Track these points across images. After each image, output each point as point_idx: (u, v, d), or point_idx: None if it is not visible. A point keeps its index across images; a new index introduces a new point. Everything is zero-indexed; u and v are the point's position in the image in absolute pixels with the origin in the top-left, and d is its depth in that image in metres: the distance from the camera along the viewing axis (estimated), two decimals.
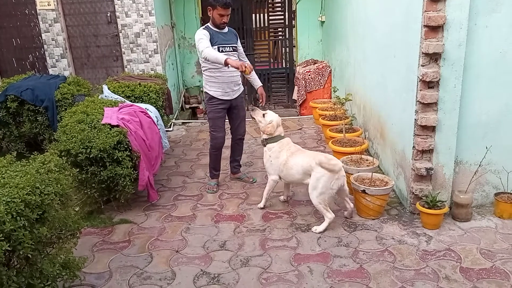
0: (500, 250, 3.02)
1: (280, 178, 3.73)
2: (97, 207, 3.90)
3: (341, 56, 6.46)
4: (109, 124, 3.72)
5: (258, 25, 8.49)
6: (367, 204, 3.51)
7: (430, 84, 3.22)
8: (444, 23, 3.07)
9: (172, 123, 6.92)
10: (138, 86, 5.26)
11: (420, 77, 3.21)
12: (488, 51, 3.21)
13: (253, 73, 4.39)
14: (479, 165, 3.44)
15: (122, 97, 4.95)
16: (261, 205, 3.87)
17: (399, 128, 3.81)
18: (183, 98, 8.36)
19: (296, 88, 7.70)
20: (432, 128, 3.32)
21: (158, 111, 5.01)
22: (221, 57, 3.70)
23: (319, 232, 3.37)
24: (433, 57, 3.16)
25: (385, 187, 3.52)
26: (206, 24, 4.07)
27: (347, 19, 5.89)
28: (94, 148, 3.44)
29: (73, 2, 6.75)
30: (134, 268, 3.04)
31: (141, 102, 4.99)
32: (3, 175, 2.18)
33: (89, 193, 3.68)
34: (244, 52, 4.40)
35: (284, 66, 8.81)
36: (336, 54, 6.84)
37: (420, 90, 3.25)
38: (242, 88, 4.32)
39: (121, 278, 2.93)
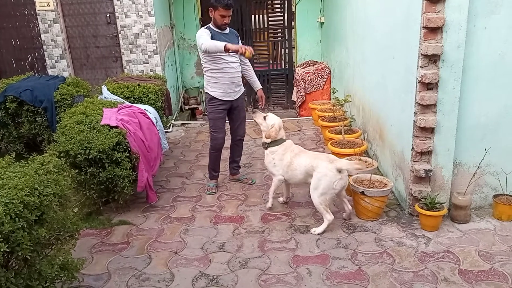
0: (498, 252, 3.03)
1: (284, 179, 3.71)
2: (96, 208, 3.90)
3: (340, 57, 6.47)
4: (108, 125, 3.71)
5: (257, 26, 8.50)
6: (366, 206, 3.51)
7: (429, 85, 3.22)
8: (443, 25, 3.08)
9: (171, 124, 6.92)
10: (137, 87, 5.26)
11: (419, 79, 3.21)
12: (487, 53, 3.21)
13: (253, 74, 4.40)
14: (478, 167, 3.44)
15: (121, 98, 4.94)
16: (269, 204, 3.84)
17: (398, 129, 3.81)
18: (182, 99, 8.35)
19: (295, 89, 7.70)
20: (431, 130, 3.32)
21: (157, 112, 5.01)
22: (220, 44, 3.69)
23: (318, 234, 3.37)
24: (432, 59, 3.17)
25: (384, 189, 3.52)
26: (208, 25, 4.07)
27: (346, 21, 5.89)
28: (93, 149, 3.44)
29: (73, 2, 6.75)
30: (132, 269, 3.04)
31: (140, 103, 4.98)
32: (2, 176, 2.17)
33: (88, 194, 3.67)
34: None
35: (283, 67, 8.81)
36: (335, 56, 6.85)
37: (419, 91, 3.25)
38: (243, 89, 4.32)
39: (120, 280, 2.92)
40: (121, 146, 3.62)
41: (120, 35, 6.82)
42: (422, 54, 3.16)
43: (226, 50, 3.65)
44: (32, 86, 5.12)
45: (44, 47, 6.85)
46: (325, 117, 5.67)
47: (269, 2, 8.72)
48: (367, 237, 3.32)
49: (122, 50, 6.90)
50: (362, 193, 3.48)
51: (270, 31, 8.65)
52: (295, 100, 7.78)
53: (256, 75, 4.49)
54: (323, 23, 7.95)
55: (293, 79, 8.02)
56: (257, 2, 8.45)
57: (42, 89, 5.10)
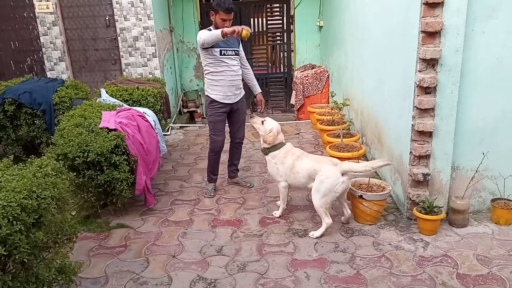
0: (496, 256, 3.03)
1: (289, 185, 3.68)
2: (94, 211, 3.89)
3: (339, 61, 6.48)
4: (107, 128, 3.71)
5: (256, 30, 8.51)
6: (364, 210, 3.51)
7: (427, 89, 3.23)
8: (441, 29, 3.09)
9: (170, 127, 6.92)
10: (136, 90, 5.26)
11: (417, 83, 3.22)
12: (485, 57, 3.23)
13: (253, 78, 4.42)
14: (476, 171, 3.45)
15: (120, 100, 4.95)
16: (278, 213, 3.79)
17: (396, 133, 3.82)
18: (181, 102, 8.36)
19: (294, 92, 7.71)
20: (429, 134, 3.33)
21: (156, 115, 5.01)
22: (217, 33, 3.71)
23: (316, 237, 3.37)
24: (430, 63, 3.18)
25: (382, 193, 3.52)
26: (209, 27, 4.08)
27: (345, 24, 5.91)
28: (92, 152, 3.43)
29: (72, 5, 6.75)
30: (130, 273, 3.03)
31: (139, 106, 4.99)
32: (0, 179, 2.17)
33: (86, 197, 3.67)
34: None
35: (282, 70, 8.82)
36: (334, 59, 6.86)
37: (417, 95, 3.26)
38: (243, 92, 4.33)
39: (117, 283, 2.91)
40: (119, 149, 3.61)
41: (119, 38, 6.83)
42: (420, 58, 3.17)
43: (224, 34, 3.66)
44: (31, 88, 5.12)
45: (43, 49, 6.84)
46: (324, 120, 5.68)
47: (268, 5, 8.75)
48: (365, 241, 3.32)
49: (121, 53, 6.91)
50: (360, 196, 3.48)
51: (269, 35, 8.67)
52: (293, 104, 7.79)
53: (255, 78, 4.50)
54: (321, 26, 7.97)
55: (292, 83, 8.03)
56: (256, 5, 8.48)
57: (40, 92, 5.10)
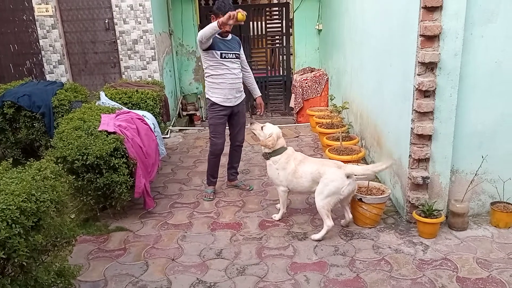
0: (496, 260, 3.02)
1: (289, 189, 3.66)
2: (93, 214, 3.88)
3: (338, 64, 6.49)
4: (106, 131, 3.71)
5: (255, 33, 8.54)
6: (363, 213, 3.51)
7: (426, 93, 3.24)
8: (440, 33, 3.10)
9: (169, 130, 6.92)
10: (136, 93, 5.26)
11: (416, 86, 3.23)
12: (484, 61, 3.23)
13: (253, 81, 4.43)
14: (475, 174, 3.45)
15: (119, 104, 4.95)
16: (278, 217, 3.78)
17: (396, 136, 3.82)
18: (180, 105, 8.36)
19: (293, 96, 7.72)
20: (428, 137, 3.33)
21: (155, 118, 5.01)
22: (213, 24, 3.70)
23: (317, 240, 3.36)
24: (429, 66, 3.18)
25: (381, 196, 3.52)
26: None
27: (344, 28, 5.93)
28: (91, 155, 3.43)
29: (71, 8, 6.77)
30: (129, 276, 3.02)
31: (138, 109, 4.99)
32: None
33: (85, 200, 3.66)
34: None
35: (281, 74, 8.84)
36: (333, 63, 6.88)
37: (416, 99, 3.27)
38: (244, 95, 4.33)
39: (117, 287, 2.90)
40: (118, 152, 3.61)
41: (118, 41, 6.84)
42: (419, 62, 3.18)
43: (221, 23, 3.65)
44: (30, 91, 5.11)
45: (43, 52, 6.85)
46: (323, 123, 5.68)
47: (267, 9, 8.78)
48: (365, 244, 3.32)
49: (120, 56, 6.92)
50: (360, 200, 3.48)
51: (268, 38, 8.69)
52: (293, 107, 7.80)
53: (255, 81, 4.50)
54: (321, 30, 8.00)
55: (291, 86, 8.04)
56: (256, 9, 8.50)
57: (40, 95, 5.10)
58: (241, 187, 4.52)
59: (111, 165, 3.54)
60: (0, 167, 2.37)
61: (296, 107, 7.55)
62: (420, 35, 3.14)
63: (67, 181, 2.73)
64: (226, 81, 4.07)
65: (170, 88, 7.66)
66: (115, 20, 6.75)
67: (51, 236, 2.31)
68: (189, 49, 8.40)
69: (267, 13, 8.62)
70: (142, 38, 6.81)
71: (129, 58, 6.91)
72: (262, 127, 3.78)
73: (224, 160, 4.55)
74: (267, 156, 3.72)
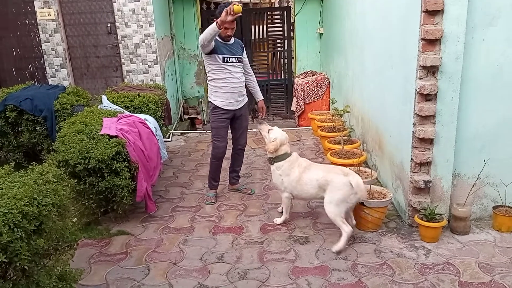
0: (499, 264, 3.01)
1: (293, 196, 3.64)
2: (94, 218, 3.88)
3: (339, 68, 6.50)
4: (108, 135, 3.72)
5: (257, 37, 8.55)
6: (365, 217, 3.50)
7: (427, 96, 3.24)
8: (441, 37, 3.10)
9: (171, 134, 6.93)
10: (137, 96, 5.28)
11: (418, 90, 3.23)
12: (485, 65, 3.24)
13: (256, 85, 4.43)
14: (477, 178, 3.44)
15: (121, 107, 4.96)
16: (279, 221, 3.77)
17: (397, 140, 3.82)
18: (182, 109, 8.37)
19: (294, 99, 7.73)
20: (430, 141, 3.33)
21: (157, 121, 5.02)
22: (212, 25, 3.71)
23: (339, 250, 3.23)
24: (431, 70, 3.19)
25: (383, 200, 3.51)
26: None
27: (345, 32, 5.94)
28: (93, 158, 3.44)
29: (73, 12, 6.79)
30: (131, 280, 3.02)
31: (140, 113, 5.00)
32: (1, 186, 2.17)
33: (87, 204, 3.66)
34: None
35: (282, 77, 8.85)
36: (335, 66, 6.88)
37: (418, 102, 3.27)
38: (246, 99, 4.34)
39: None
40: (120, 156, 3.62)
41: (120, 45, 6.86)
42: (420, 66, 3.18)
43: (220, 23, 3.65)
44: (32, 95, 5.14)
45: (45, 56, 6.87)
46: (325, 127, 5.68)
47: (268, 13, 8.81)
48: (367, 248, 3.31)
49: (122, 60, 6.94)
50: (362, 203, 3.47)
51: (269, 42, 8.71)
52: (294, 110, 7.80)
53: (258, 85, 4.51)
54: (322, 34, 8.01)
55: (293, 89, 8.05)
56: (257, 13, 8.52)
57: (42, 99, 5.12)
58: (243, 191, 4.52)
59: (113, 168, 3.54)
60: (2, 170, 2.38)
61: (298, 110, 7.55)
62: (421, 38, 3.14)
63: (69, 185, 2.74)
64: (228, 85, 4.08)
65: (171, 91, 7.67)
66: (117, 24, 6.77)
67: (52, 240, 2.31)
68: (190, 52, 8.42)
69: (268, 17, 8.64)
70: (144, 42, 6.83)
71: (131, 62, 6.93)
72: (269, 130, 3.76)
73: (225, 163, 4.55)
74: (271, 161, 3.70)
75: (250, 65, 4.46)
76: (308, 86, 7.34)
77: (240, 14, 3.65)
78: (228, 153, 4.44)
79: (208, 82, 4.21)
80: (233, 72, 4.08)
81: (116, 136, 3.71)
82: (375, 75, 4.52)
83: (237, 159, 4.53)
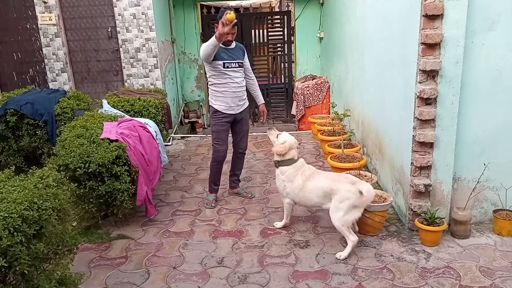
0: (499, 268, 3.01)
1: (294, 202, 3.62)
2: (94, 222, 3.88)
3: (339, 72, 6.51)
4: (108, 139, 3.72)
5: (257, 41, 8.58)
6: (365, 220, 3.50)
7: (427, 100, 3.24)
8: (441, 41, 3.11)
9: (171, 138, 6.93)
10: (138, 100, 5.28)
11: (418, 94, 3.23)
12: (485, 69, 3.24)
13: (257, 89, 4.44)
14: (477, 182, 3.44)
15: (122, 111, 4.97)
16: (280, 225, 3.76)
17: (397, 144, 3.82)
18: (183, 113, 8.39)
19: (294, 103, 7.74)
20: (430, 145, 3.33)
21: (157, 125, 5.03)
22: (211, 41, 3.74)
23: (344, 258, 3.21)
24: (431, 74, 3.19)
25: (383, 203, 3.51)
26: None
27: (345, 36, 5.96)
28: (93, 162, 3.44)
29: (74, 17, 6.82)
30: (131, 284, 3.01)
31: (141, 117, 5.00)
32: (1, 190, 2.17)
33: (87, 208, 3.66)
34: None
35: (283, 81, 8.87)
36: (335, 70, 6.90)
37: (418, 106, 3.27)
38: (247, 103, 4.34)
39: None
40: (120, 160, 3.62)
41: (121, 49, 6.88)
42: (420, 70, 3.19)
43: (219, 36, 3.69)
44: (33, 99, 5.15)
45: (46, 60, 6.89)
46: (325, 131, 5.69)
47: (269, 17, 8.84)
48: (367, 252, 3.31)
49: (123, 64, 6.95)
50: None
51: (270, 46, 8.74)
52: (294, 114, 7.81)
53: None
54: (322, 38, 8.03)
55: (293, 93, 8.06)
56: (257, 17, 8.56)
57: (42, 103, 5.13)
58: (243, 195, 4.52)
59: (113, 172, 3.54)
60: (3, 175, 2.38)
61: (298, 114, 7.56)
62: (421, 43, 3.15)
63: (69, 189, 2.73)
64: (228, 89, 4.09)
65: (172, 95, 7.69)
66: (117, 29, 6.80)
67: (52, 244, 2.30)
68: (191, 57, 8.44)
69: (268, 21, 8.68)
70: (145, 46, 6.85)
71: (131, 66, 6.95)
72: (278, 135, 3.73)
73: (226, 167, 4.55)
74: (277, 164, 3.68)
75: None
76: (308, 90, 7.36)
77: (235, 20, 3.69)
78: (229, 157, 4.44)
79: (208, 86, 4.22)
80: (233, 77, 4.09)
81: (116, 140, 3.72)
82: (375, 79, 4.53)
83: (238, 163, 4.53)
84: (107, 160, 3.48)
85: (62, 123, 4.98)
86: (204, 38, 8.13)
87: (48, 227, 2.19)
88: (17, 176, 2.39)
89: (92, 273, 3.17)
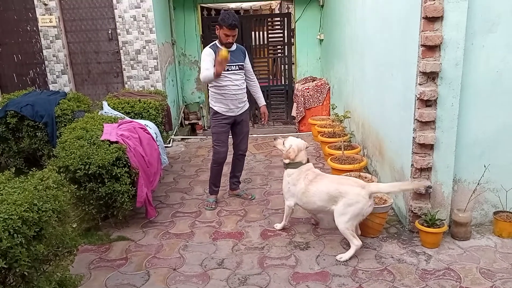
0: (500, 270, 3.00)
1: (297, 205, 3.60)
2: (94, 223, 3.88)
3: (339, 73, 6.52)
4: (108, 140, 3.72)
5: (257, 43, 8.59)
6: (366, 222, 3.49)
7: (427, 102, 3.24)
8: (441, 43, 3.11)
9: (171, 139, 6.93)
10: (138, 102, 5.29)
11: (418, 96, 3.23)
12: (485, 71, 3.24)
13: (258, 90, 4.45)
14: (478, 184, 3.44)
15: (122, 113, 4.97)
16: (279, 226, 3.75)
17: (398, 146, 3.82)
18: (183, 114, 8.39)
19: (295, 105, 7.74)
20: (430, 146, 3.33)
21: (158, 127, 5.03)
22: (210, 75, 3.90)
23: (345, 261, 3.20)
24: (431, 76, 3.19)
25: (384, 205, 3.51)
26: (214, 42, 4.11)
27: (345, 38, 5.96)
28: (93, 164, 3.44)
29: (75, 19, 6.83)
30: (131, 286, 3.01)
31: (141, 119, 5.01)
32: (1, 192, 2.17)
33: (87, 209, 3.66)
34: None
35: (283, 83, 8.87)
36: (335, 72, 6.90)
37: (418, 108, 3.27)
38: (247, 105, 4.35)
39: None
40: (121, 162, 3.62)
41: (121, 51, 6.89)
42: (420, 72, 3.19)
43: (216, 74, 3.86)
44: (33, 101, 5.15)
45: (46, 62, 6.90)
46: (325, 132, 5.69)
47: (269, 19, 8.85)
48: (368, 254, 3.30)
49: (123, 66, 6.96)
50: None
51: (270, 48, 8.74)
52: (294, 116, 7.81)
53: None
54: (322, 40, 8.04)
55: (293, 95, 8.07)
56: (257, 19, 8.57)
57: (43, 104, 5.13)
58: (243, 196, 4.52)
59: (113, 174, 3.55)
60: (3, 176, 2.38)
61: (298, 116, 7.56)
62: (421, 45, 3.15)
63: (69, 191, 2.73)
64: (229, 92, 4.10)
65: (172, 97, 7.69)
66: (118, 31, 6.80)
67: (52, 246, 2.30)
68: (191, 59, 8.45)
69: (269, 23, 8.68)
70: (145, 48, 6.86)
71: (132, 68, 6.96)
72: (283, 141, 3.69)
73: (226, 169, 4.55)
74: (285, 166, 3.65)
75: None
76: (308, 92, 7.36)
77: (228, 58, 3.85)
78: (229, 158, 4.44)
79: (209, 88, 4.23)
80: (233, 79, 4.10)
81: (116, 142, 3.72)
82: (375, 81, 4.53)
83: (238, 165, 4.54)
84: (107, 161, 3.48)
85: (62, 125, 4.98)
86: (204, 40, 8.14)
87: (48, 229, 2.19)
88: (17, 178, 2.39)
89: (92, 274, 3.17)
